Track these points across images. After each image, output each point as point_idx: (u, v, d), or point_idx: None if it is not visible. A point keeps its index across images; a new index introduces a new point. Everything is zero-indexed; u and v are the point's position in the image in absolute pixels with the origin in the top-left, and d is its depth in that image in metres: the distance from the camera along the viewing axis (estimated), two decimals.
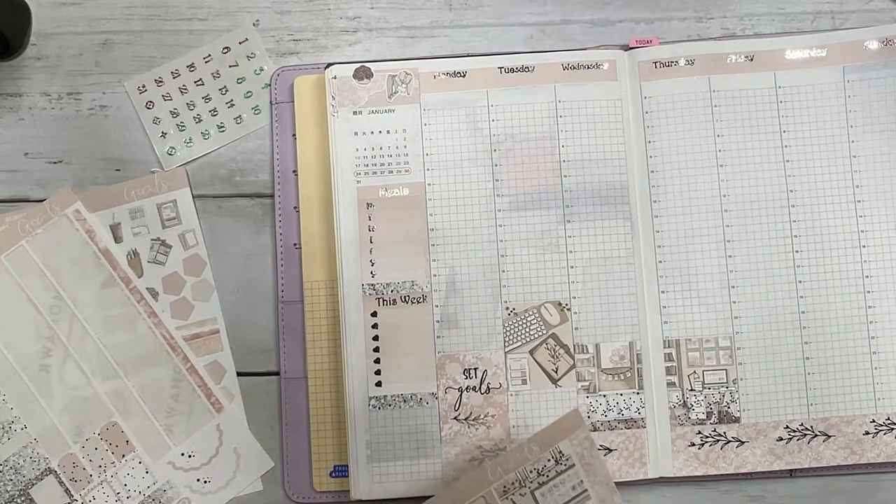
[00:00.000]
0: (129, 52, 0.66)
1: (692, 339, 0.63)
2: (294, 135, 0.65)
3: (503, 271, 0.63)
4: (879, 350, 0.62)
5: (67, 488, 0.63)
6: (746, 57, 0.64)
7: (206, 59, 0.66)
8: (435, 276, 0.63)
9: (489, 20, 0.67)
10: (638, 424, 0.62)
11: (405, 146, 0.64)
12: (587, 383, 0.62)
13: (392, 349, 0.63)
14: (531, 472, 0.57)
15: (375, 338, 0.63)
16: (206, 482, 0.63)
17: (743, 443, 0.62)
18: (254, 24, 0.67)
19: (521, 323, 0.63)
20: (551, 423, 0.58)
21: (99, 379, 0.63)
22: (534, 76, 0.64)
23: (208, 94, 0.66)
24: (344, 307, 0.63)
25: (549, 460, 0.57)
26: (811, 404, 0.62)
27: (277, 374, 0.64)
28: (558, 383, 0.62)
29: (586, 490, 0.57)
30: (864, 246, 0.63)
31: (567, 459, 0.57)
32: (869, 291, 0.63)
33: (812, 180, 0.63)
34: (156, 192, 0.65)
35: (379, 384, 0.62)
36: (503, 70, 0.64)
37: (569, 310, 0.63)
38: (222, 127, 0.66)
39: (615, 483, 0.62)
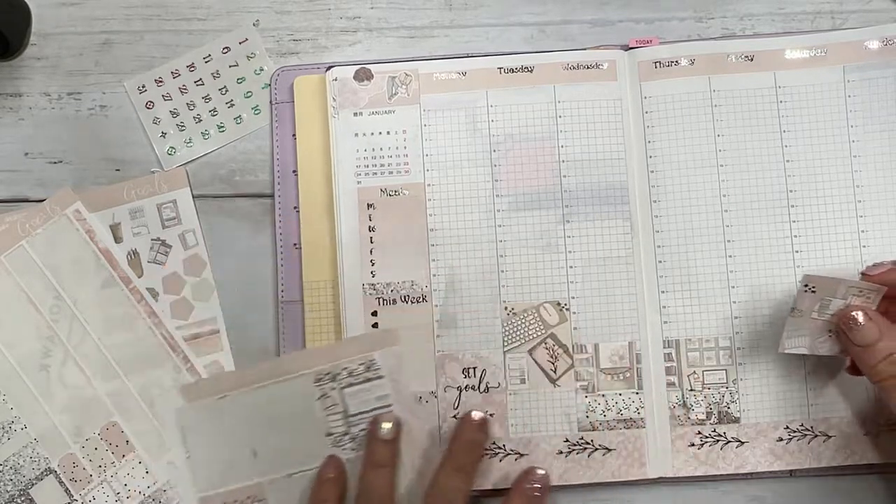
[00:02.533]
0: (129, 52, 0.66)
1: (692, 339, 0.63)
2: (294, 135, 0.65)
3: (502, 271, 0.63)
4: None
5: (67, 488, 0.63)
6: (746, 57, 0.64)
7: (206, 59, 0.67)
8: (434, 275, 0.63)
9: (489, 20, 0.67)
10: (637, 424, 0.62)
11: (405, 147, 0.64)
12: (586, 383, 0.62)
13: None
14: (343, 370, 0.60)
15: None
16: None
17: (743, 443, 0.62)
18: (254, 24, 0.67)
19: (520, 323, 0.63)
20: (372, 331, 0.62)
21: (99, 379, 0.63)
22: (534, 76, 0.64)
23: (208, 95, 0.66)
24: (344, 307, 0.63)
25: (360, 364, 0.60)
26: (811, 404, 0.62)
27: None
28: (557, 383, 0.62)
29: (390, 405, 0.60)
30: (864, 246, 0.63)
31: (378, 370, 0.60)
32: None
33: (812, 180, 0.63)
34: (156, 192, 0.65)
35: None
36: (503, 70, 0.64)
37: (568, 310, 0.63)
38: (222, 127, 0.66)
39: (615, 483, 0.62)
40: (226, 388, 0.61)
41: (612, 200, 0.63)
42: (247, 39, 0.67)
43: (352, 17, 0.67)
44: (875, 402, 0.62)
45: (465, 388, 0.62)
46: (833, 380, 0.62)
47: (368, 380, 0.61)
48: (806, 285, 0.56)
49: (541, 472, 0.59)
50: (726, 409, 0.62)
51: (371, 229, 0.63)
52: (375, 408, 0.60)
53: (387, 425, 0.59)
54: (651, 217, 0.63)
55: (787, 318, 0.57)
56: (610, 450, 0.62)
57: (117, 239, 0.65)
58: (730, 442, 0.62)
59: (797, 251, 0.63)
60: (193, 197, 0.65)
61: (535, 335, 0.63)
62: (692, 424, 0.62)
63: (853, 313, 0.56)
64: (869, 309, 0.56)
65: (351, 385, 0.60)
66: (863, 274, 0.58)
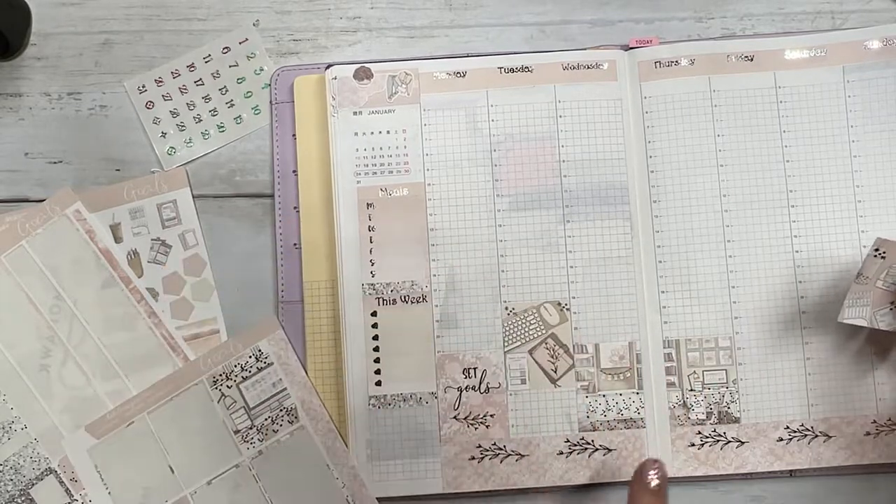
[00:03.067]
0: (129, 52, 0.66)
1: (692, 339, 0.63)
2: (294, 135, 0.65)
3: (503, 271, 0.63)
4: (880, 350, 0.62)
5: (67, 488, 0.63)
6: (746, 57, 0.64)
7: (206, 59, 0.66)
8: (435, 275, 0.63)
9: (489, 20, 0.67)
10: (637, 424, 0.62)
11: (405, 146, 0.64)
12: (586, 383, 0.62)
13: (392, 349, 0.63)
14: (235, 366, 0.63)
15: (375, 337, 0.63)
16: None
17: (743, 443, 0.62)
18: (254, 24, 0.67)
19: (520, 323, 0.63)
20: (251, 324, 0.63)
21: (99, 379, 0.63)
22: (534, 76, 0.64)
23: (208, 95, 0.66)
24: (344, 307, 0.63)
25: (250, 356, 0.63)
26: (811, 404, 0.62)
27: None
28: (557, 383, 0.62)
29: (286, 388, 0.62)
30: (864, 246, 0.63)
31: (266, 357, 0.63)
32: None
33: (812, 180, 0.63)
34: (156, 192, 0.65)
35: (379, 384, 0.62)
36: (503, 70, 0.64)
37: (568, 310, 0.63)
38: (222, 127, 0.66)
39: (615, 483, 0.62)
40: (130, 414, 0.62)
41: (612, 200, 0.63)
42: (247, 39, 0.67)
43: (352, 17, 0.67)
44: (876, 402, 0.62)
45: (466, 388, 0.62)
46: (833, 380, 0.62)
47: (260, 369, 0.62)
48: (877, 249, 0.54)
49: (656, 462, 0.57)
50: (726, 409, 0.62)
51: (371, 229, 0.63)
52: (273, 395, 0.62)
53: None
54: (651, 217, 0.63)
55: (850, 284, 0.56)
56: (610, 450, 0.62)
57: (117, 239, 0.65)
58: (730, 442, 0.62)
59: (797, 251, 0.63)
60: (193, 197, 0.65)
61: (535, 335, 0.63)
62: (692, 424, 0.62)
63: None
64: None
65: (245, 379, 0.62)
66: None
